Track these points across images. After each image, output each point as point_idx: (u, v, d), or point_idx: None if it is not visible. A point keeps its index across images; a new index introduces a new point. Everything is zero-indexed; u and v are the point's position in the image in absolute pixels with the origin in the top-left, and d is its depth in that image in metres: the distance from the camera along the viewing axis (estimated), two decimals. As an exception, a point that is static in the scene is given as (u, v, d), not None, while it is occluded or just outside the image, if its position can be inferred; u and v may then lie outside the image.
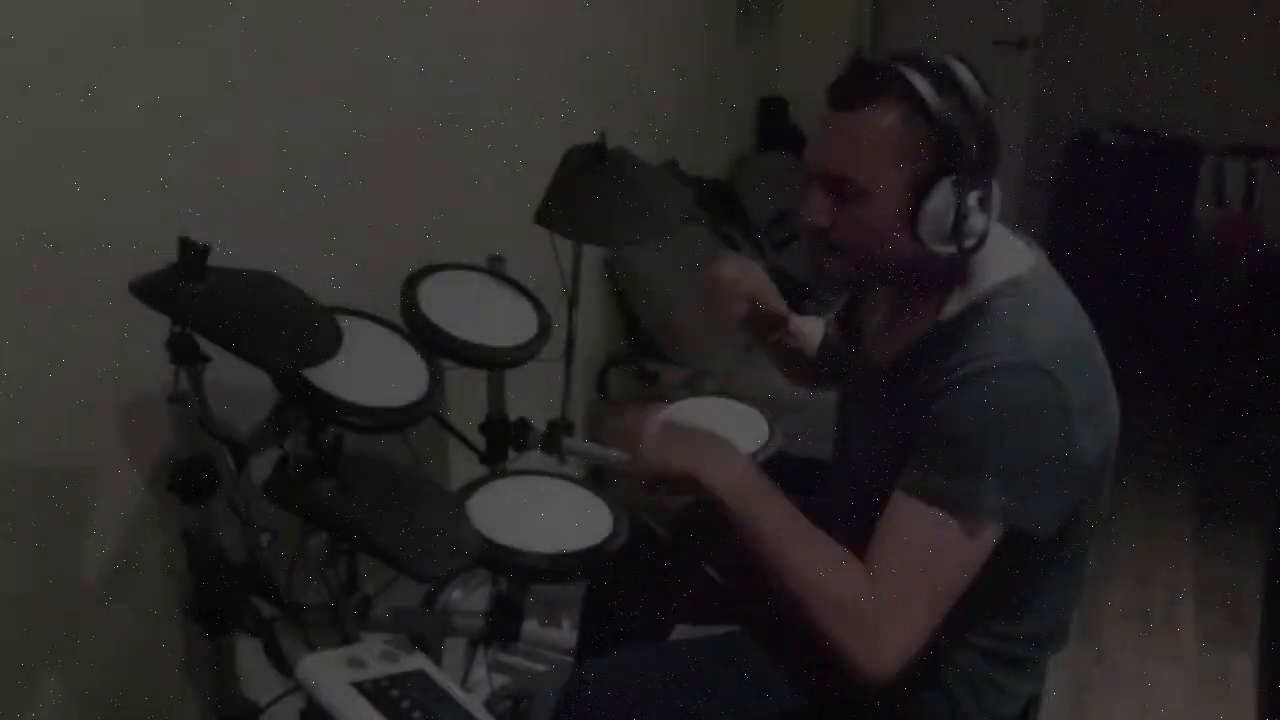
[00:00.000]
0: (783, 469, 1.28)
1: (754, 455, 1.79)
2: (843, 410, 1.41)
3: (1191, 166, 4.48)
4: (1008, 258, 1.17)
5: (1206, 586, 2.70)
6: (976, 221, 1.10)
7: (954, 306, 1.16)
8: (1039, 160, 4.47)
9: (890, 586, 1.08)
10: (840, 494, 1.36)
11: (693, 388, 2.47)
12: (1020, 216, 1.28)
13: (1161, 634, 2.52)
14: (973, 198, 1.09)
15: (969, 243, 1.11)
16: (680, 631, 1.57)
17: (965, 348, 1.12)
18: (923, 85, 1.08)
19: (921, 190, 1.08)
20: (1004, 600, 1.20)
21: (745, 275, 1.45)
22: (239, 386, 1.33)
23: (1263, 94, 4.38)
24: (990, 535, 1.09)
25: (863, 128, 1.10)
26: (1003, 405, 1.07)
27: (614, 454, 1.23)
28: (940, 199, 1.08)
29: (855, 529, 1.32)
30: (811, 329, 1.55)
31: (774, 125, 3.88)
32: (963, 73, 1.10)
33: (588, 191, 1.71)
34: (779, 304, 1.49)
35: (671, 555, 1.51)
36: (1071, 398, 1.08)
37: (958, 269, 1.17)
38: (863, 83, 1.11)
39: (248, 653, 1.39)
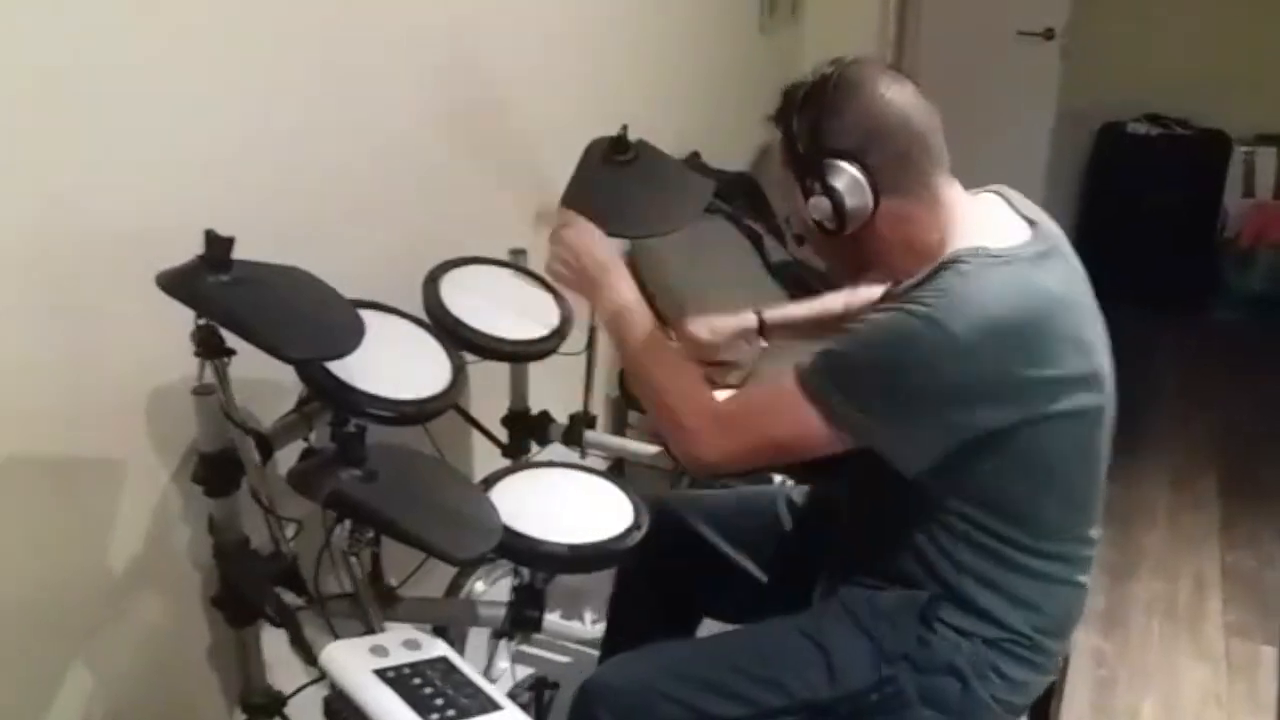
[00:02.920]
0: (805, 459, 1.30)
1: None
2: None
3: (1221, 156, 4.43)
4: (989, 233, 1.20)
5: (1233, 580, 2.68)
6: (824, 206, 1.23)
7: (916, 276, 1.20)
8: (1065, 151, 4.43)
9: (724, 421, 1.29)
10: (845, 478, 1.38)
11: (714, 379, 2.47)
12: (1046, 207, 1.32)
13: (1188, 627, 2.50)
14: (816, 187, 1.24)
15: (831, 225, 1.25)
16: (708, 627, 1.58)
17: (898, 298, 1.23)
18: (792, 99, 1.28)
19: (800, 185, 1.28)
20: (998, 592, 1.26)
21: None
22: (264, 379, 1.35)
23: (1294, 82, 4.32)
24: (837, 433, 1.21)
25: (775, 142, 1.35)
26: (886, 335, 1.17)
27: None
28: (797, 191, 1.28)
29: (858, 509, 1.34)
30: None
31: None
32: (838, 85, 1.23)
33: (610, 183, 1.71)
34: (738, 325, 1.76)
35: (701, 550, 1.52)
36: (971, 360, 1.13)
37: (916, 247, 1.24)
38: (778, 105, 1.32)
39: (273, 642, 1.41)
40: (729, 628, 1.48)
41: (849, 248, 1.28)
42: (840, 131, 1.22)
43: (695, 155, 2.95)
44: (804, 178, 1.25)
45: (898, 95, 1.22)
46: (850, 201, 1.22)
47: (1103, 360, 1.24)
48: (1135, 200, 4.40)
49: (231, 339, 1.19)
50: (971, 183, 1.32)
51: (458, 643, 1.85)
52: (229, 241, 1.16)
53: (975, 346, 1.12)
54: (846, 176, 1.22)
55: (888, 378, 1.16)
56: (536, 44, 2.15)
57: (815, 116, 1.24)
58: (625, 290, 1.42)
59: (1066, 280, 1.22)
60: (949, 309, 1.13)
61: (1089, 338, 1.22)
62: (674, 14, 2.85)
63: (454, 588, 1.89)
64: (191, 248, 1.15)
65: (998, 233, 1.22)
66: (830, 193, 1.22)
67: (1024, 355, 1.15)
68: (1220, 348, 4.09)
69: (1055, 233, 1.27)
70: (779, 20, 3.65)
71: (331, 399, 1.34)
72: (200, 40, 1.35)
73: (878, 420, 1.17)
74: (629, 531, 1.49)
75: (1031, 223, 1.25)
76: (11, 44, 1.11)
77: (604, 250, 1.45)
